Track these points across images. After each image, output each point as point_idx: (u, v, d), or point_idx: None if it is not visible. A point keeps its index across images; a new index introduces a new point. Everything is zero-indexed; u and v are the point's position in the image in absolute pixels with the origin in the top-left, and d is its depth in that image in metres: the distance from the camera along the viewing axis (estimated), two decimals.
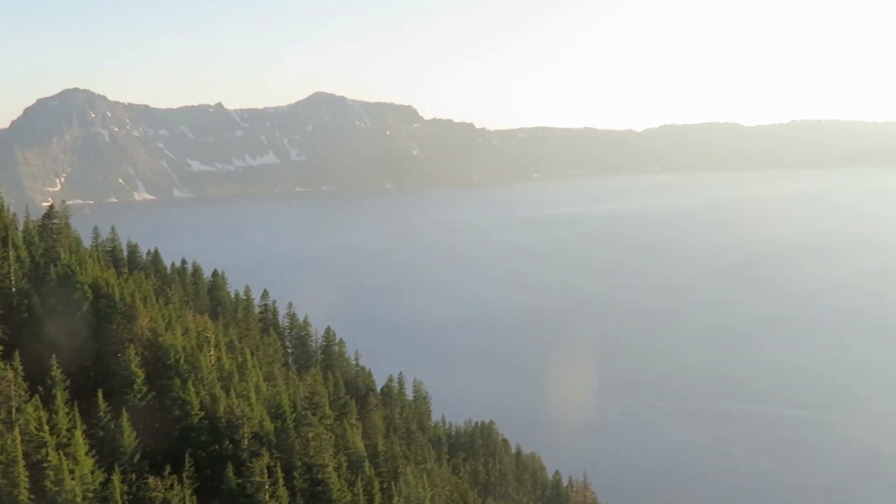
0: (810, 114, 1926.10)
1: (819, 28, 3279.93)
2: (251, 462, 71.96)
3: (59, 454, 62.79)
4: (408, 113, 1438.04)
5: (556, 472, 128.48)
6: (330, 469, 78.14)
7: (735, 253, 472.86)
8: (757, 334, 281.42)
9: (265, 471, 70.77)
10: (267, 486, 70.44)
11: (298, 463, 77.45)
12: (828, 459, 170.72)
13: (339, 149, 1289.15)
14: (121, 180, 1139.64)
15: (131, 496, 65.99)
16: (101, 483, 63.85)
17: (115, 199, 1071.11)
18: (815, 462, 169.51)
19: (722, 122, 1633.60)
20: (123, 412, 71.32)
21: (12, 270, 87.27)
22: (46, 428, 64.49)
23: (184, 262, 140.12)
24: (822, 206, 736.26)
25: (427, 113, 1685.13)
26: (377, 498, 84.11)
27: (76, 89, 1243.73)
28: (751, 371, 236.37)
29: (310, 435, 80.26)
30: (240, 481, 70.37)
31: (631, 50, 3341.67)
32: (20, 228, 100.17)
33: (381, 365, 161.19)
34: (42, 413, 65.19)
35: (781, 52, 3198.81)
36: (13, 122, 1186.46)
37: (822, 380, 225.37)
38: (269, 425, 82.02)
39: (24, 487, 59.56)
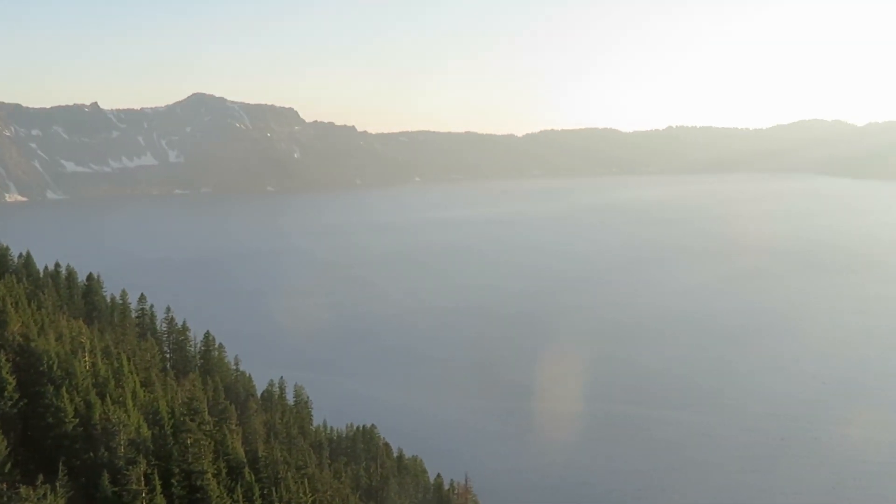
0: (685, 120, 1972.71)
1: (692, 36, 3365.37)
2: (128, 470, 70.34)
3: None
4: (289, 115, 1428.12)
5: (438, 476, 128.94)
6: (209, 476, 76.90)
7: (611, 257, 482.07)
8: (631, 336, 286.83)
9: (142, 478, 69.33)
10: (144, 494, 69.02)
11: (177, 470, 76.02)
12: (703, 458, 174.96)
13: (218, 150, 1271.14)
14: None
15: None
16: None
17: None
18: (692, 461, 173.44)
19: (601, 128, 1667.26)
20: None
21: None
22: None
23: (57, 265, 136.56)
24: (696, 211, 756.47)
25: (309, 115, 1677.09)
26: None
27: None
28: (626, 373, 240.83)
29: (188, 441, 78.89)
30: (116, 489, 68.73)
31: (511, 54, 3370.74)
32: None
33: (261, 369, 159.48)
34: None
35: (656, 59, 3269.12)
36: None
37: (697, 381, 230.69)
38: (146, 432, 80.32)
39: None
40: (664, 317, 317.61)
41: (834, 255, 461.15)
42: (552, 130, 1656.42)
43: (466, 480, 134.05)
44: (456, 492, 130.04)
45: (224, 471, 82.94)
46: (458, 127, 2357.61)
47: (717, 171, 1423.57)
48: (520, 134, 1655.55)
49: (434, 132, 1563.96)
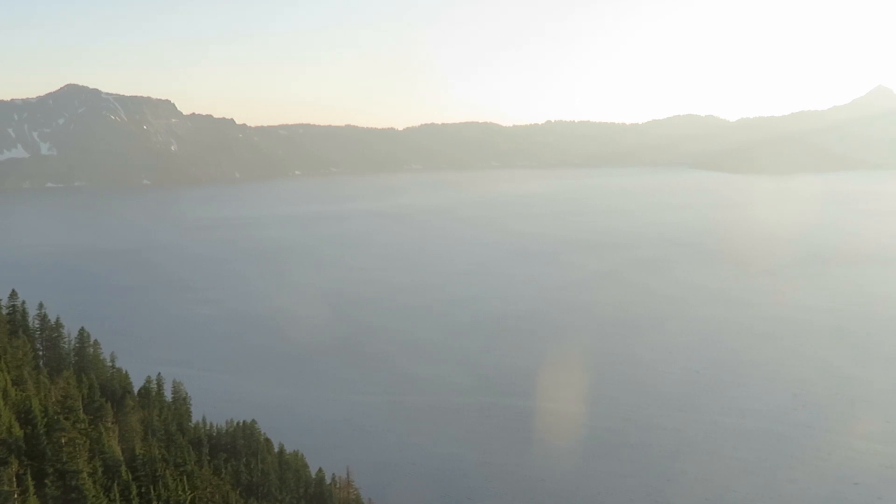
0: (563, 115, 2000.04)
1: (570, 32, 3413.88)
2: None
3: None
4: (165, 107, 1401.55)
5: (320, 470, 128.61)
6: (84, 475, 75.43)
7: (492, 250, 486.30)
8: (511, 329, 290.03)
9: (14, 479, 67.64)
10: (16, 496, 67.36)
11: (51, 470, 74.36)
12: (570, 446, 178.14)
13: (93, 143, 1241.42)
14: None
15: None
16: None
17: None
18: (566, 451, 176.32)
19: (481, 122, 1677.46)
20: None
21: None
22: None
23: None
24: (577, 204, 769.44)
25: (186, 108, 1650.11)
26: (135, 503, 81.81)
27: None
28: (506, 365, 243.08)
29: (62, 440, 77.27)
30: None
31: (392, 48, 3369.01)
32: None
33: (138, 366, 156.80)
34: None
35: (535, 54, 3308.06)
36: None
37: (574, 373, 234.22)
38: (18, 431, 78.31)
39: None
40: (546, 310, 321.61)
41: (712, 247, 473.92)
42: (433, 124, 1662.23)
43: (348, 474, 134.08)
44: (338, 485, 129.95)
45: (100, 470, 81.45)
46: (339, 120, 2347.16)
47: (594, 165, 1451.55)
48: (400, 127, 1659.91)
49: (314, 125, 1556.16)
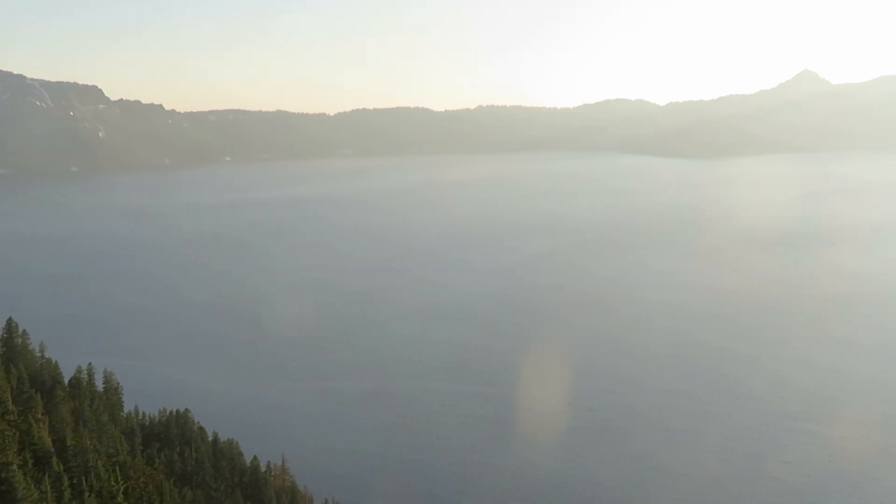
0: (495, 100, 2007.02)
1: (498, 16, 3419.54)
2: None
3: None
4: (93, 93, 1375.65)
5: (255, 458, 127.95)
6: (14, 467, 74.28)
7: (427, 236, 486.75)
8: (445, 314, 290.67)
9: None
10: None
11: None
12: (510, 429, 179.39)
13: (17, 130, 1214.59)
14: None
15: None
16: None
17: None
18: (498, 434, 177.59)
19: (412, 107, 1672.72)
20: None
21: None
22: None
23: None
24: (512, 189, 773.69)
25: (114, 93, 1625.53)
26: (66, 494, 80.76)
27: None
28: (443, 351, 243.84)
29: None
30: None
31: (321, 33, 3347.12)
32: None
33: (68, 356, 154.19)
34: None
35: (465, 39, 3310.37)
36: None
37: (504, 356, 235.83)
38: None
39: None
40: (488, 293, 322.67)
41: (646, 231, 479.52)
42: (364, 109, 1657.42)
43: (283, 461, 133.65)
44: (273, 473, 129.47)
45: (30, 461, 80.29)
46: (270, 106, 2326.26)
47: (527, 149, 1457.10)
48: (332, 113, 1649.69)
49: (244, 111, 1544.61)
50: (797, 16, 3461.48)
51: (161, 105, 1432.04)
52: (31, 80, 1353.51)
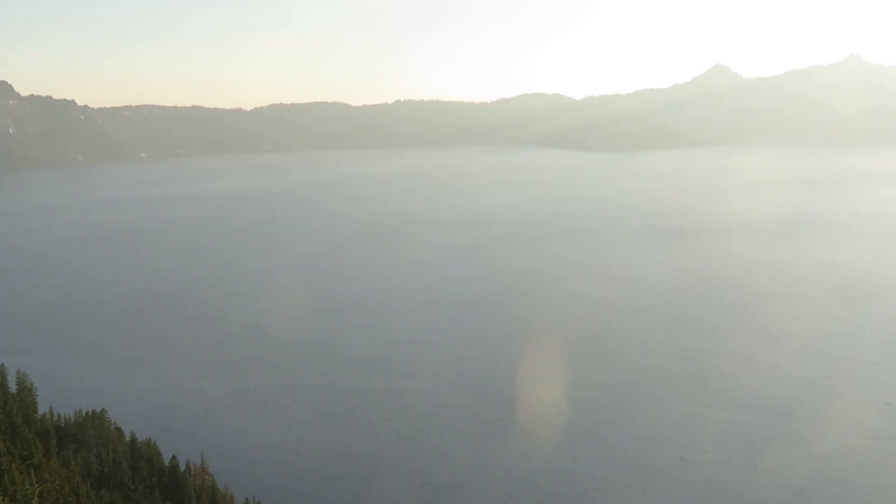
0: (413, 94, 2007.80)
1: (411, 12, 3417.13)
2: None
3: None
4: (2, 88, 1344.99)
5: (173, 458, 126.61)
6: None
7: (347, 231, 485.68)
8: (364, 309, 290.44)
9: None
10: None
11: None
12: (430, 426, 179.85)
13: None
14: None
15: None
16: None
17: None
18: (421, 428, 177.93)
19: (330, 102, 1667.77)
20: None
21: None
22: None
23: None
24: (430, 183, 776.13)
25: (24, 89, 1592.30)
26: None
27: None
28: (364, 345, 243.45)
29: None
30: None
31: (230, 27, 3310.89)
32: None
33: None
34: None
35: (381, 34, 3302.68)
36: None
37: (426, 349, 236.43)
38: None
39: None
40: (404, 288, 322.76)
41: (563, 224, 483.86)
42: (281, 104, 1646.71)
43: (203, 461, 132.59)
44: (192, 473, 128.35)
45: None
46: (185, 101, 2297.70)
47: (445, 144, 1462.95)
48: (248, 108, 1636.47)
49: (159, 106, 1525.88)
50: (710, 11, 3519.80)
51: (73, 101, 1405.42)
52: None
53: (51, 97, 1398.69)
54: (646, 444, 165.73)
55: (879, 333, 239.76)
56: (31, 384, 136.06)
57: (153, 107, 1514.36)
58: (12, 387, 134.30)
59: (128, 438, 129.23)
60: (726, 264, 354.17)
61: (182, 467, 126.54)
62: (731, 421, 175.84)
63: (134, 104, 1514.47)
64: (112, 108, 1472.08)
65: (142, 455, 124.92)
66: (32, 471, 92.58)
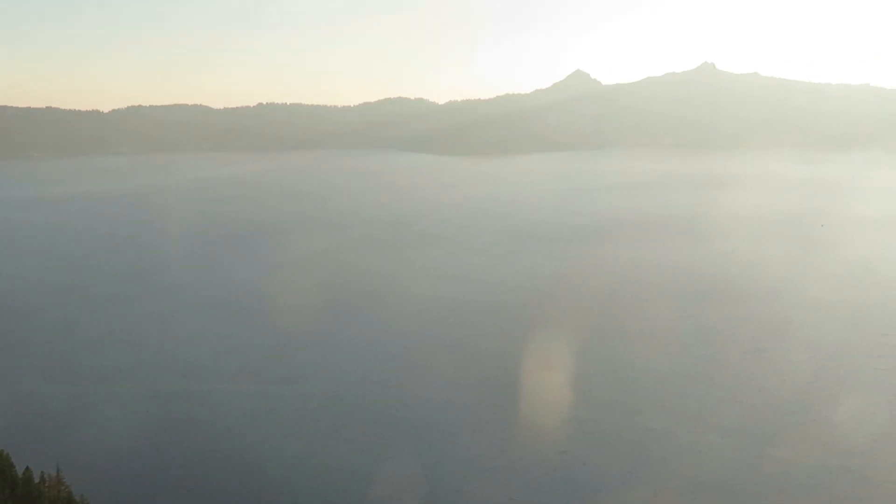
0: (274, 97, 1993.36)
1: (270, 17, 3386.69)
2: None
3: None
4: None
5: (27, 469, 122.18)
6: None
7: (202, 234, 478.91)
8: (217, 314, 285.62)
9: None
10: None
11: None
12: (296, 428, 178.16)
13: None
14: None
15: None
16: None
17: None
18: (283, 432, 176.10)
19: (190, 105, 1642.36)
20: None
21: None
22: None
23: None
24: (288, 186, 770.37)
25: None
26: None
27: None
28: (215, 351, 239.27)
29: None
30: None
31: (79, 26, 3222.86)
32: None
33: None
34: None
35: (241, 38, 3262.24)
36: None
37: (277, 353, 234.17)
38: None
39: None
40: (247, 293, 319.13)
41: (423, 228, 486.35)
42: (140, 106, 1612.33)
43: (58, 471, 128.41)
44: (47, 484, 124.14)
45: None
46: (39, 102, 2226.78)
47: (306, 147, 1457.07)
48: (106, 109, 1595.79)
49: (10, 107, 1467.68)
50: (569, 18, 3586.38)
51: None
52: None
53: None
54: (508, 445, 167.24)
55: (731, 332, 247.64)
56: None
57: (4, 107, 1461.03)
58: None
59: None
60: (584, 265, 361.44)
61: (36, 478, 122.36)
62: (590, 420, 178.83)
63: None
64: None
65: None
66: None
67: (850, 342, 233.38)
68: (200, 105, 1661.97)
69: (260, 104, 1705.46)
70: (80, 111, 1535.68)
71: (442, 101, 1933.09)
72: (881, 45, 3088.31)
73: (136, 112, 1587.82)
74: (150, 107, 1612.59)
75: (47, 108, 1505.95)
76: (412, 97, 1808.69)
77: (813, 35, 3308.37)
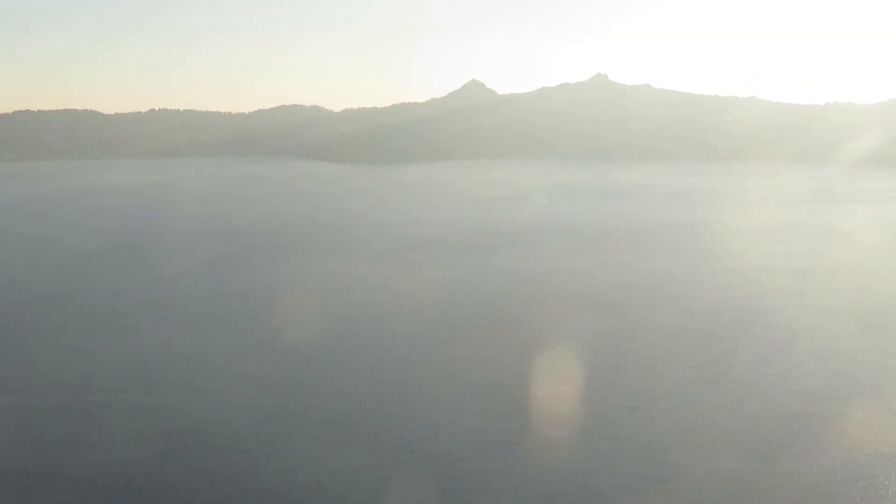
0: (168, 103, 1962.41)
1: (164, 21, 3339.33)
2: None
3: None
4: None
5: None
6: None
7: (95, 242, 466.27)
8: (111, 325, 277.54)
9: None
10: None
11: None
12: (189, 440, 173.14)
13: None
14: None
15: None
16: None
17: None
18: (180, 445, 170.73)
19: (80, 110, 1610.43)
20: None
21: None
22: None
23: None
24: (183, 194, 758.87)
25: None
26: None
27: None
28: (109, 361, 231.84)
29: None
30: None
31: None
32: None
33: None
34: None
35: (128, 39, 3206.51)
36: None
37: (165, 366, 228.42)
38: None
39: None
40: (141, 304, 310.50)
41: (315, 237, 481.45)
42: (28, 111, 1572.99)
43: None
44: None
45: None
46: None
47: (200, 153, 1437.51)
48: None
49: None
50: (464, 26, 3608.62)
51: None
52: None
53: None
54: (413, 457, 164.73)
55: (628, 340, 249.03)
56: None
57: None
58: None
59: None
60: (487, 274, 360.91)
61: None
62: (488, 428, 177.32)
63: None
64: None
65: None
66: None
67: (738, 350, 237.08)
68: (90, 110, 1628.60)
69: (152, 110, 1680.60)
70: None
71: (338, 108, 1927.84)
72: (767, 58, 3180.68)
73: (23, 117, 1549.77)
74: (38, 111, 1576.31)
75: None
76: (307, 104, 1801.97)
77: (702, 48, 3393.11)
